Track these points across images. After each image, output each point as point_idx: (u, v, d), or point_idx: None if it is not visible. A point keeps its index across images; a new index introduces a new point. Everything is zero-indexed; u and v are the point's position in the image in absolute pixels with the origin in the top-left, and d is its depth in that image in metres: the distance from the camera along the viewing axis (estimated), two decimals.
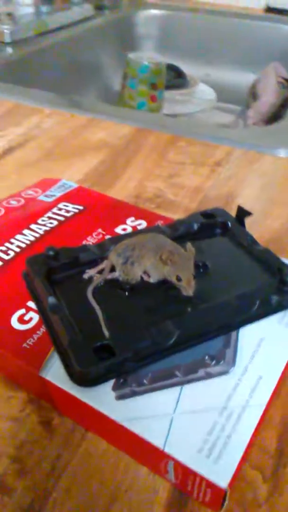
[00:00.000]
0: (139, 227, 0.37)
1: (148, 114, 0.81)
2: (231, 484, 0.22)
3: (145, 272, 0.31)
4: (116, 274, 0.31)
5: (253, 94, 1.11)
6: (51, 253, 0.31)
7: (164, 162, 0.54)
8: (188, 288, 0.30)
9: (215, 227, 0.37)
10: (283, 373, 0.27)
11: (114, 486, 0.24)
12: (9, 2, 0.91)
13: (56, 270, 0.31)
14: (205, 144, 0.58)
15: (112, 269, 0.32)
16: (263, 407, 0.25)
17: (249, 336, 0.29)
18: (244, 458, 0.23)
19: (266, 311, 0.30)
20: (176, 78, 1.14)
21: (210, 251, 0.35)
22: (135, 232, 0.36)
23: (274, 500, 0.24)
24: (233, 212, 0.37)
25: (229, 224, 0.37)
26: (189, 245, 0.31)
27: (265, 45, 1.17)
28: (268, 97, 1.01)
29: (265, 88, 1.08)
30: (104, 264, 0.32)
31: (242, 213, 0.37)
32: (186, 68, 1.19)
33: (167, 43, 1.22)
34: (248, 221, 0.37)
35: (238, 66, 1.19)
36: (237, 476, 0.23)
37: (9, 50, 0.86)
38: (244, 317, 0.29)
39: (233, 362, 0.27)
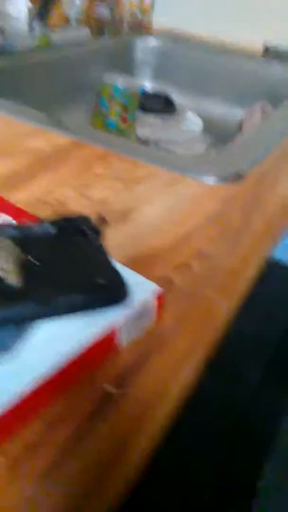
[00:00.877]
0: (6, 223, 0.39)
1: (89, 129, 0.82)
2: None
3: None
4: None
5: (240, 129, 1.14)
6: None
7: (86, 174, 0.56)
8: (13, 277, 0.31)
9: (72, 230, 0.38)
10: (54, 370, 0.28)
11: None
12: (1, 17, 0.97)
13: None
14: (134, 162, 0.60)
15: None
16: (13, 394, 0.26)
17: (44, 328, 0.30)
18: None
19: (71, 308, 0.31)
20: (164, 106, 1.17)
21: (56, 251, 0.36)
22: None
23: None
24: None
25: (85, 229, 0.38)
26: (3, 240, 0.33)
27: (256, 84, 1.20)
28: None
29: (250, 125, 1.10)
30: None
31: (101, 221, 0.39)
32: (179, 97, 1.22)
33: (163, 72, 1.26)
34: (136, 234, 0.40)
35: (229, 102, 1.22)
36: None
37: None
38: (48, 312, 0.30)
39: (10, 349, 0.28)
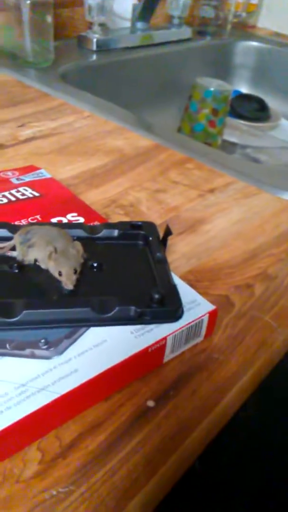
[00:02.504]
0: (74, 222, 0.41)
1: (172, 133, 0.81)
2: None
3: (36, 260, 0.35)
4: (14, 253, 0.35)
5: None
6: None
7: (161, 178, 0.56)
8: (67, 281, 0.32)
9: (136, 238, 0.39)
10: (100, 375, 0.28)
11: None
12: (105, 13, 0.99)
13: None
14: (212, 171, 0.59)
15: (14, 248, 0.35)
16: (57, 395, 0.27)
17: (95, 334, 0.31)
18: (14, 432, 0.25)
19: (124, 319, 0.31)
20: (258, 111, 1.14)
21: (117, 256, 0.37)
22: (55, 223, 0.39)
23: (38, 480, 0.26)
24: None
25: (150, 238, 0.38)
26: (76, 243, 0.34)
27: None
28: None
29: None
30: (10, 243, 0.36)
31: (167, 232, 0.38)
32: (274, 103, 1.18)
33: (260, 76, 1.22)
34: (202, 246, 0.43)
35: None
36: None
37: (93, 57, 0.94)
38: (101, 319, 0.31)
39: (62, 352, 0.29)
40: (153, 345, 0.31)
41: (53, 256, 0.33)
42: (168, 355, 0.33)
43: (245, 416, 0.35)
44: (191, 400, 0.31)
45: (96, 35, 0.94)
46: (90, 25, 0.96)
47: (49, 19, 0.81)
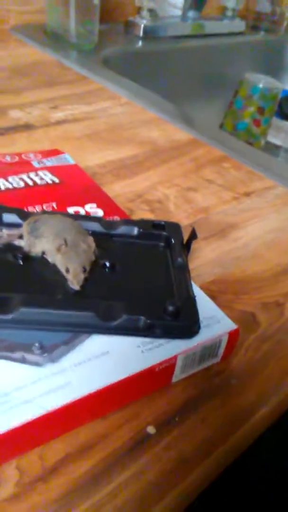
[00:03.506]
0: (92, 214, 0.37)
1: (212, 128, 0.76)
2: None
3: (44, 253, 0.31)
4: (22, 242, 0.32)
5: None
6: None
7: (194, 175, 0.52)
8: (73, 280, 0.29)
9: (157, 239, 0.35)
10: (97, 393, 0.25)
11: None
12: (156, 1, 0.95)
13: None
14: (251, 172, 0.54)
15: (22, 237, 0.32)
16: (43, 411, 0.23)
17: (97, 343, 0.27)
18: None
19: (131, 330, 0.28)
20: None
21: (133, 257, 0.33)
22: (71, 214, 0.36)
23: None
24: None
25: (172, 241, 0.34)
26: (89, 238, 0.30)
27: None
28: None
29: None
30: (19, 230, 0.33)
31: (192, 236, 0.35)
32: None
33: None
34: (231, 254, 0.40)
35: None
36: None
37: (139, 43, 0.90)
38: (105, 327, 0.27)
39: (56, 359, 0.26)
40: (161, 363, 0.27)
41: (62, 250, 0.30)
42: (177, 376, 0.29)
43: (257, 452, 0.31)
44: (199, 431, 0.27)
45: (144, 21, 0.90)
46: (139, 10, 0.92)
47: (96, 1, 0.78)
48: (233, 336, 0.30)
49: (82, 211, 0.37)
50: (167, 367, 0.27)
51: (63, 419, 0.25)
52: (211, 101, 1.00)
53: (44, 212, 0.35)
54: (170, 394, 0.28)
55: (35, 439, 0.24)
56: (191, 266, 0.39)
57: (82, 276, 0.29)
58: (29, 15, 0.86)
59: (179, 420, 0.27)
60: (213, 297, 0.34)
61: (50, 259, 0.31)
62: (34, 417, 0.23)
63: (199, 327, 0.29)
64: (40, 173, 0.41)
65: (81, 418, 0.26)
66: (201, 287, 0.35)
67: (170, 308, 0.28)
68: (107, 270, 0.32)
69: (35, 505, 0.23)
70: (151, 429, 0.26)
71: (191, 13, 0.98)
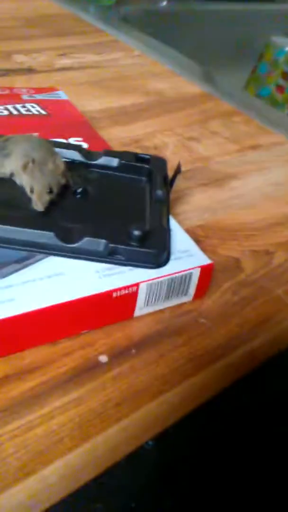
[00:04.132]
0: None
1: (224, 81, 0.72)
2: None
3: (12, 174, 0.29)
4: None
5: None
6: None
7: (198, 126, 0.49)
8: (37, 201, 0.27)
9: (139, 172, 0.32)
10: (42, 311, 0.23)
11: None
12: None
13: None
14: (261, 128, 0.51)
15: None
16: None
17: (52, 265, 0.25)
18: None
19: (91, 254, 0.26)
20: None
21: (110, 189, 0.31)
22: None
23: None
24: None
25: (153, 174, 0.32)
26: (59, 159, 0.28)
27: None
28: None
29: None
30: None
31: (177, 170, 0.32)
32: None
33: None
34: (224, 203, 0.37)
35: None
36: None
37: (164, 2, 0.86)
38: (63, 249, 0.25)
39: (4, 275, 0.24)
40: (120, 289, 0.25)
41: (28, 167, 0.28)
42: (141, 308, 0.27)
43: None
44: (153, 367, 0.25)
45: None
46: None
47: None
48: (206, 271, 0.27)
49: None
50: (128, 295, 0.25)
51: (3, 337, 0.23)
52: (235, 68, 0.96)
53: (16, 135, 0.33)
54: (131, 327, 0.26)
55: None
56: (179, 209, 0.36)
57: (47, 198, 0.27)
58: None
59: (135, 353, 0.25)
60: (197, 241, 0.32)
61: (17, 181, 0.29)
62: None
63: (168, 258, 0.27)
64: (28, 105, 0.39)
65: (26, 339, 0.24)
66: (187, 231, 0.32)
67: (136, 232, 0.26)
68: (78, 196, 0.30)
69: None
70: (102, 358, 0.24)
71: None
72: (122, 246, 0.26)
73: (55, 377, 0.23)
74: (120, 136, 0.44)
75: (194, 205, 0.38)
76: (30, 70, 0.53)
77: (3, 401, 0.22)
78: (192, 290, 0.28)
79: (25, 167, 0.28)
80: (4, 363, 0.23)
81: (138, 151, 0.43)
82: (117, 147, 0.42)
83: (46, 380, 0.23)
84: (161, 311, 0.28)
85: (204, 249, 0.29)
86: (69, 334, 0.25)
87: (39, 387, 0.23)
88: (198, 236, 0.34)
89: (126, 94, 0.52)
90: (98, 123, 0.46)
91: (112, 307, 0.25)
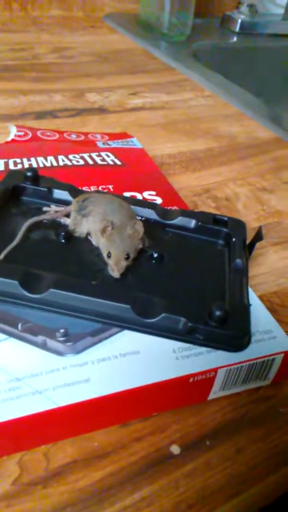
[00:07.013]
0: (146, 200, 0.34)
1: None
2: None
3: (89, 234, 0.29)
4: (68, 221, 0.30)
5: None
6: (28, 174, 0.31)
7: (271, 176, 0.47)
8: (114, 267, 0.26)
9: (216, 235, 0.31)
10: (117, 395, 0.22)
11: None
12: None
13: (24, 190, 0.31)
14: None
15: (69, 216, 0.30)
16: (54, 406, 0.21)
17: (127, 340, 0.24)
18: None
19: (169, 331, 0.24)
20: None
21: (186, 252, 0.30)
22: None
23: None
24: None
25: (233, 240, 0.30)
26: (137, 223, 0.27)
27: None
28: None
29: None
30: (67, 208, 0.30)
31: (257, 236, 0.30)
32: None
33: None
34: None
35: None
36: None
37: (234, 38, 0.85)
38: (140, 323, 0.24)
39: (79, 351, 0.23)
40: (197, 374, 0.23)
41: (107, 232, 0.27)
42: (216, 392, 0.25)
43: None
44: (230, 463, 0.23)
45: (243, 16, 0.85)
46: (238, 5, 0.88)
47: None
48: None
49: (139, 198, 0.34)
50: (204, 380, 0.24)
51: (75, 418, 0.22)
52: None
53: (96, 191, 0.33)
54: (205, 412, 0.25)
55: (42, 436, 0.22)
56: (253, 272, 0.34)
57: (124, 264, 0.26)
58: (124, 4, 0.85)
59: (210, 445, 0.23)
60: (273, 310, 0.30)
61: (94, 241, 0.28)
62: (42, 411, 0.20)
63: (249, 341, 0.25)
64: (103, 154, 0.38)
65: (97, 421, 0.23)
66: (261, 298, 0.30)
67: (217, 312, 0.24)
68: (154, 261, 0.28)
69: None
70: (175, 449, 0.23)
71: None
72: (202, 326, 0.24)
73: (125, 468, 0.22)
74: (191, 185, 0.43)
75: (269, 267, 0.35)
76: (101, 110, 0.53)
77: (71, 493, 0.20)
78: (272, 375, 0.26)
79: (103, 231, 0.27)
80: (73, 445, 0.22)
81: (209, 201, 0.42)
82: (188, 197, 0.41)
83: (116, 471, 0.21)
84: (235, 395, 0.26)
85: (280, 321, 0.27)
86: (139, 416, 0.24)
87: (108, 479, 0.21)
88: (274, 305, 0.32)
89: (197, 137, 0.51)
90: (169, 169, 0.45)
91: (187, 391, 0.24)
